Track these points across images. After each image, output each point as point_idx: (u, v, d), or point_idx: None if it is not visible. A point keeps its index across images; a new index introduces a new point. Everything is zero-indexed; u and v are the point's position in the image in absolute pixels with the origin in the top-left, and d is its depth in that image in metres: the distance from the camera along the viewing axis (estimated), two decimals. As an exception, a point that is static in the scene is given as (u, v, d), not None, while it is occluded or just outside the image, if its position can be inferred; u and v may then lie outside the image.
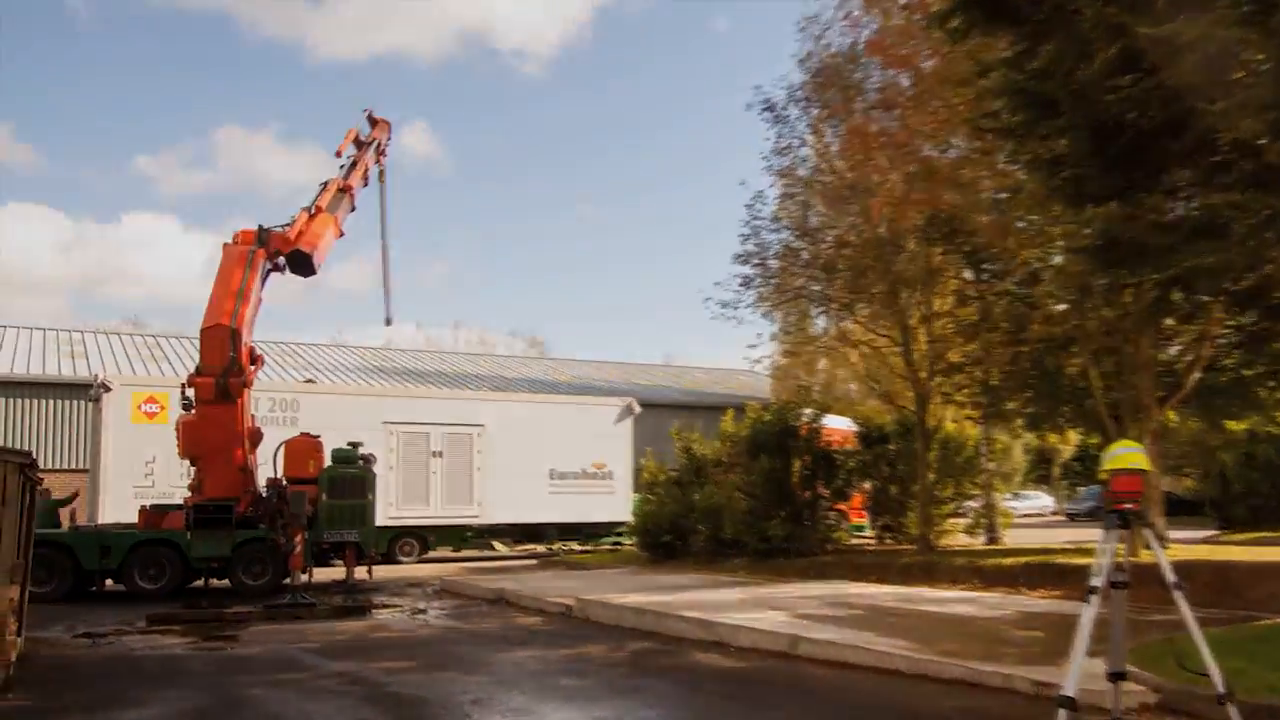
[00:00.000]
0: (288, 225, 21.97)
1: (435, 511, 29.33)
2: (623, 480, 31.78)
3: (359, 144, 24.39)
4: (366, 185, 24.59)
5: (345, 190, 23.42)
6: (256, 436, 21.35)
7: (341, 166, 23.82)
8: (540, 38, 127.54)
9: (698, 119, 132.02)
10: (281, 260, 21.91)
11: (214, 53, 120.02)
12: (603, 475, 31.58)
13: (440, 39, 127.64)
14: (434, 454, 29.31)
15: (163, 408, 26.05)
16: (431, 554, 29.83)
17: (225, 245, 21.85)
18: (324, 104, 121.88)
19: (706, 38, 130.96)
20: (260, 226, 21.82)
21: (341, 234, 23.36)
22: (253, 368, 21.04)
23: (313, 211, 22.39)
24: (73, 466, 34.11)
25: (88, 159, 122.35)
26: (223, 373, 20.32)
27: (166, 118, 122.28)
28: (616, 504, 31.37)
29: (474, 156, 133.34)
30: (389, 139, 25.59)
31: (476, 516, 29.79)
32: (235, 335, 20.45)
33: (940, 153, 20.49)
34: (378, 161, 25.17)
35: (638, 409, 32.83)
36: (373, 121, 24.99)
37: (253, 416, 21.77)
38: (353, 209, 23.80)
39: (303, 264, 22.16)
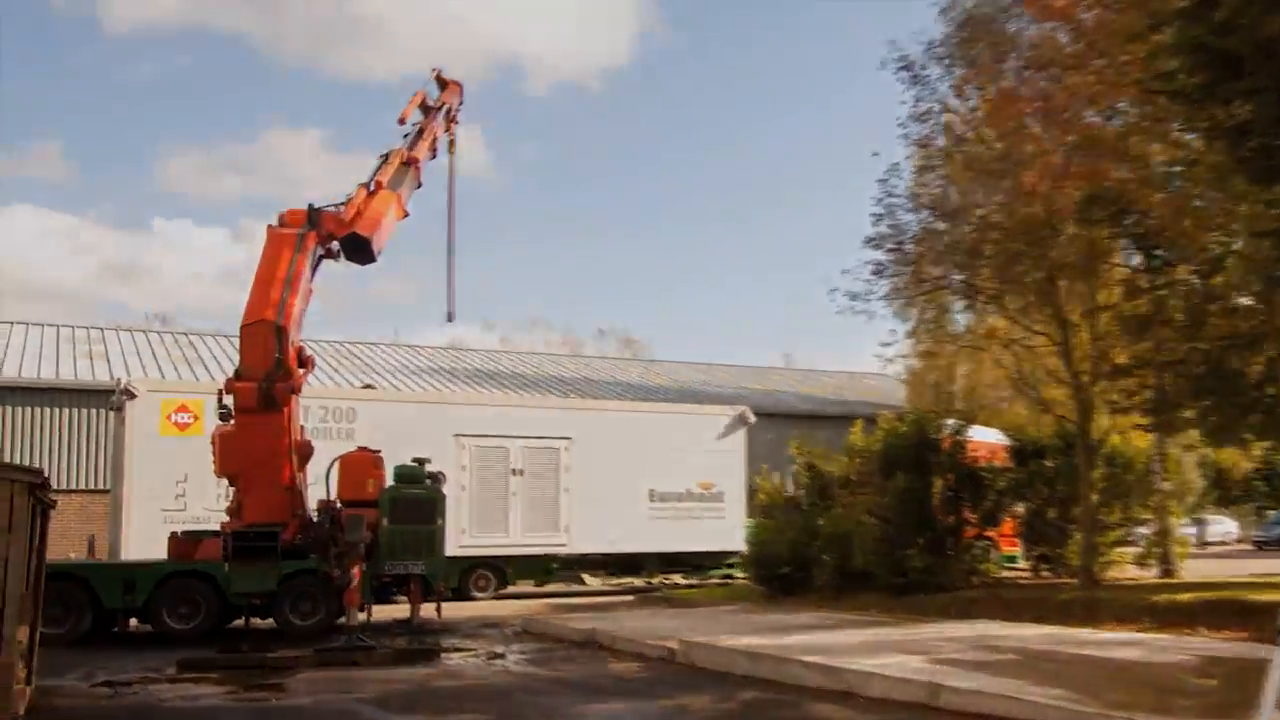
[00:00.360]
0: (342, 204, 21.57)
1: (515, 539, 28.89)
2: (734, 502, 31.42)
3: (426, 109, 24.01)
4: (434, 157, 24.33)
5: (410, 164, 22.97)
6: (306, 451, 20.57)
7: (405, 136, 23.40)
8: (591, 56, 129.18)
9: (812, 90, 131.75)
10: (335, 245, 21.49)
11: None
12: (711, 496, 31.28)
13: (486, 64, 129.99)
14: (513, 472, 28.98)
15: (197, 417, 25.34)
16: (510, 589, 29.64)
17: (270, 228, 21.27)
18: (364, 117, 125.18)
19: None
20: (310, 205, 21.28)
21: (406, 214, 23.26)
22: (302, 371, 20.39)
23: (372, 188, 22.00)
24: (91, 486, 33.86)
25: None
26: (266, 377, 19.49)
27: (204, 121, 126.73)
28: (727, 530, 31.02)
29: (554, 164, 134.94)
30: (460, 103, 25.29)
31: (563, 545, 29.39)
32: (280, 332, 19.74)
33: (1105, 119, 20.39)
34: (447, 129, 24.80)
35: (752, 419, 32.55)
36: (442, 84, 24.59)
37: (301, 428, 21.41)
38: (418, 185, 23.42)
39: (360, 249, 21.71)
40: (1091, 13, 19.79)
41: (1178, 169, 18.36)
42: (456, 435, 28.30)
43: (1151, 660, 13.49)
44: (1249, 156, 13.19)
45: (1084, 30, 20.04)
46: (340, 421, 27.10)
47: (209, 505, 23.55)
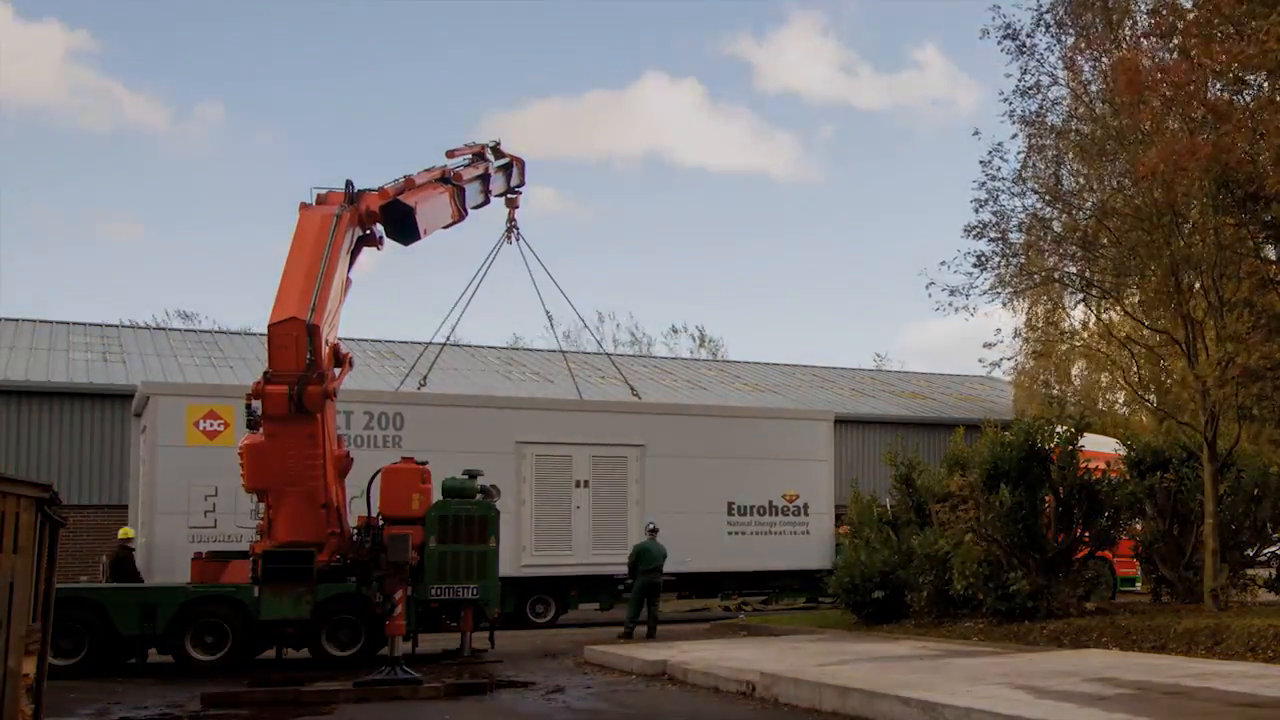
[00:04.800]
0: (383, 186, 22.08)
1: (579, 559, 28.67)
2: (821, 516, 31.22)
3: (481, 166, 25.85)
4: (486, 203, 26.01)
5: (454, 182, 24.09)
6: (345, 463, 20.85)
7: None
8: None
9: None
10: (378, 228, 21.77)
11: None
12: (795, 510, 31.01)
13: None
14: (578, 484, 28.74)
15: (228, 425, 24.79)
16: (572, 614, 29.64)
17: (302, 206, 21.25)
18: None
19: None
20: (349, 182, 21.32)
21: (462, 216, 23.93)
22: (338, 372, 20.48)
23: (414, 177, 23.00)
24: (106, 501, 32.99)
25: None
26: (298, 380, 19.38)
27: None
28: (813, 548, 30.82)
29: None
30: (522, 182, 27.77)
31: None
32: (313, 331, 19.50)
33: (1233, 94, 20.15)
34: (507, 202, 27.64)
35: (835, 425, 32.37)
36: (499, 154, 26.53)
37: (340, 438, 21.48)
38: (460, 217, 24.63)
39: (404, 224, 22.04)
40: (1220, -26, 19.60)
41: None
42: (519, 443, 28.02)
43: None
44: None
45: (1212, -7, 19.85)
46: (386, 428, 26.77)
47: (242, 523, 23.51)
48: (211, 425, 25.07)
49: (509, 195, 27.57)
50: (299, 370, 19.48)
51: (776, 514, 30.80)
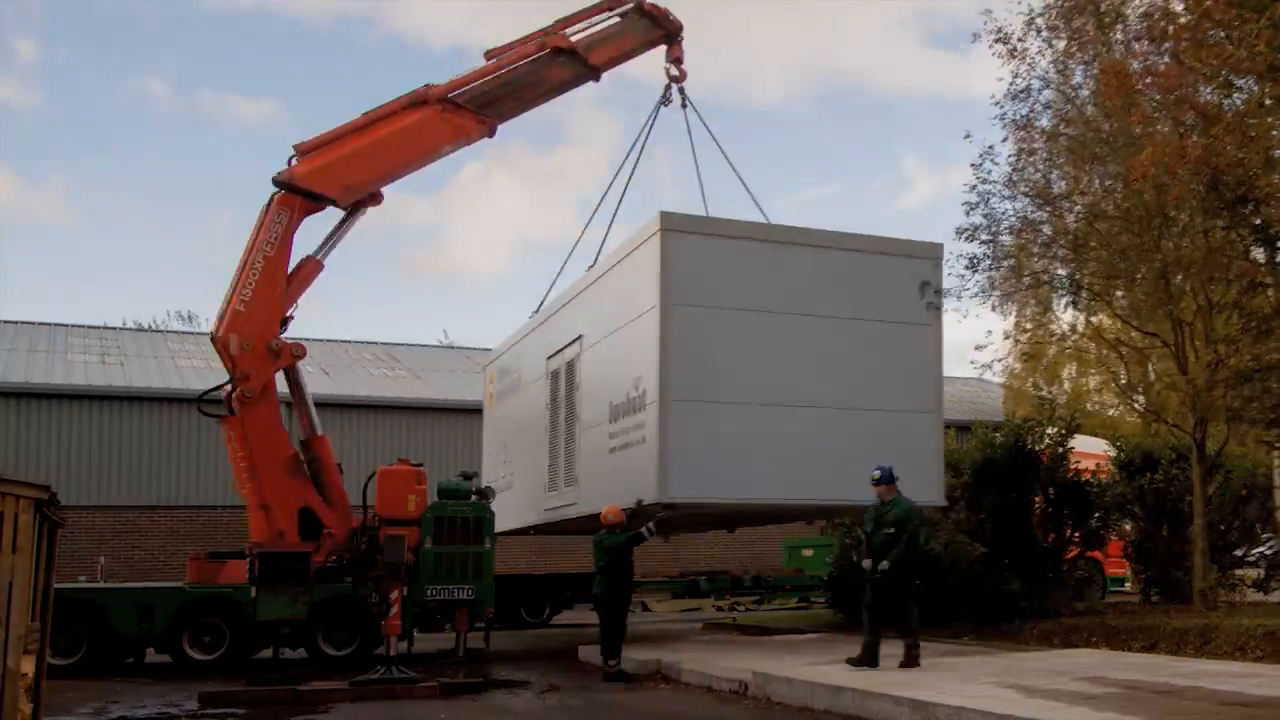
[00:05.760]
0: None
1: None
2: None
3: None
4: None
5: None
6: (292, 461, 20.96)
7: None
8: None
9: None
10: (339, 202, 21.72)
11: None
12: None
13: None
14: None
15: None
16: (567, 614, 29.59)
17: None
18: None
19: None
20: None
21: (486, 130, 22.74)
22: (280, 364, 20.87)
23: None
24: (103, 502, 33.32)
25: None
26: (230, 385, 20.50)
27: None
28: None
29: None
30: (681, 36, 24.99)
31: None
32: (216, 341, 20.44)
33: (1223, 97, 20.23)
34: (674, 77, 24.97)
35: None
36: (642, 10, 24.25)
37: (318, 438, 21.55)
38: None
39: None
40: (1211, -21, 19.65)
41: (1305, 152, 18.16)
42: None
43: (1275, 695, 13.21)
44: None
45: (1201, -1, 19.89)
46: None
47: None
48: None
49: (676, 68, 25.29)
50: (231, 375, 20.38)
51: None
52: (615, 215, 26.24)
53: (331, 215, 21.94)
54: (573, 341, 23.15)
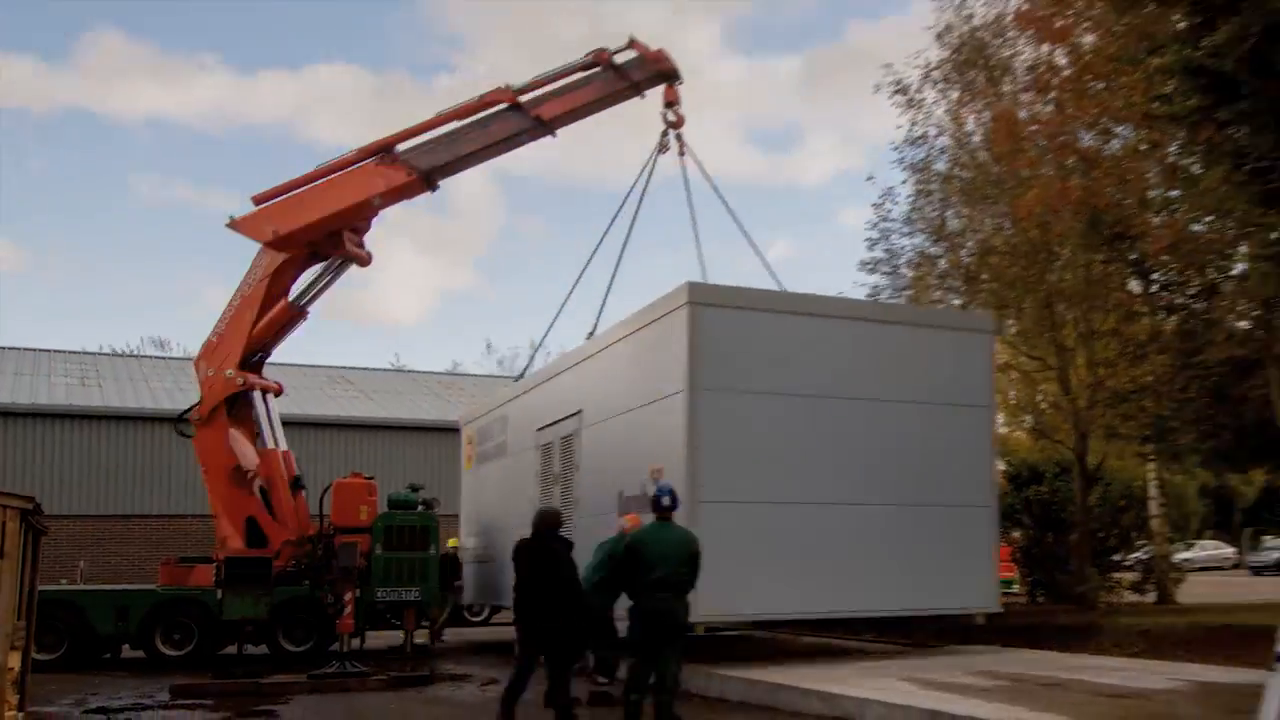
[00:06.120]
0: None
1: None
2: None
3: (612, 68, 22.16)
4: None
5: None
6: (235, 474, 22.75)
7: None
8: None
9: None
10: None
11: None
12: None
13: None
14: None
15: None
16: (506, 613, 29.77)
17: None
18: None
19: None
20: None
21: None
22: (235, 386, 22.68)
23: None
24: (82, 512, 34.13)
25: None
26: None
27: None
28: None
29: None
30: (679, 80, 22.61)
31: None
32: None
33: (1102, 143, 21.29)
34: (670, 122, 22.58)
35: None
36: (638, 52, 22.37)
37: (279, 452, 22.98)
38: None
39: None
40: (1089, 35, 20.69)
41: (1176, 193, 19.01)
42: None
43: (1150, 687, 13.74)
44: (1247, 180, 13.68)
45: (1081, 53, 20.93)
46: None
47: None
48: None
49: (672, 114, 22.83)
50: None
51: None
52: (611, 285, 23.40)
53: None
54: (570, 416, 20.74)
